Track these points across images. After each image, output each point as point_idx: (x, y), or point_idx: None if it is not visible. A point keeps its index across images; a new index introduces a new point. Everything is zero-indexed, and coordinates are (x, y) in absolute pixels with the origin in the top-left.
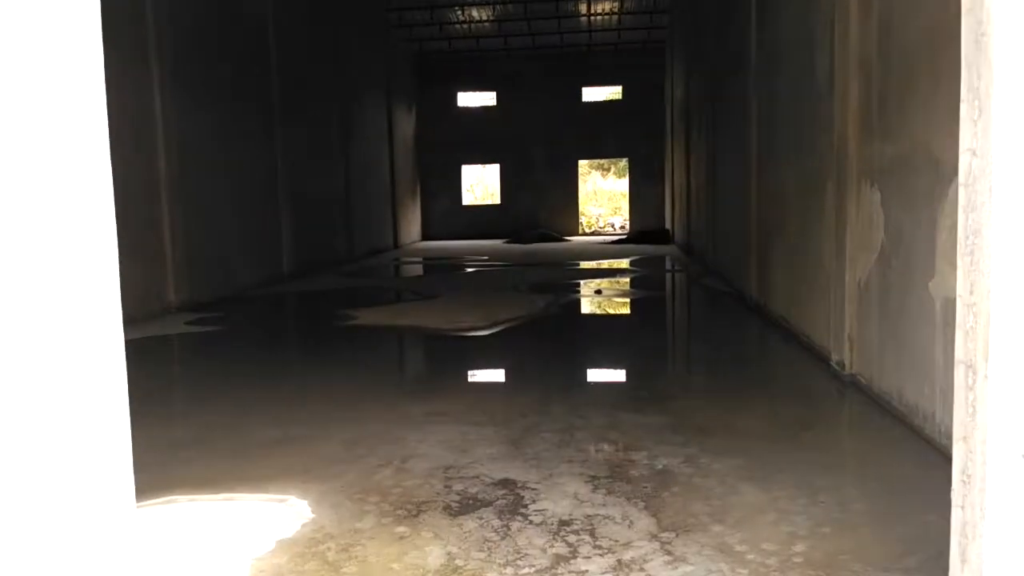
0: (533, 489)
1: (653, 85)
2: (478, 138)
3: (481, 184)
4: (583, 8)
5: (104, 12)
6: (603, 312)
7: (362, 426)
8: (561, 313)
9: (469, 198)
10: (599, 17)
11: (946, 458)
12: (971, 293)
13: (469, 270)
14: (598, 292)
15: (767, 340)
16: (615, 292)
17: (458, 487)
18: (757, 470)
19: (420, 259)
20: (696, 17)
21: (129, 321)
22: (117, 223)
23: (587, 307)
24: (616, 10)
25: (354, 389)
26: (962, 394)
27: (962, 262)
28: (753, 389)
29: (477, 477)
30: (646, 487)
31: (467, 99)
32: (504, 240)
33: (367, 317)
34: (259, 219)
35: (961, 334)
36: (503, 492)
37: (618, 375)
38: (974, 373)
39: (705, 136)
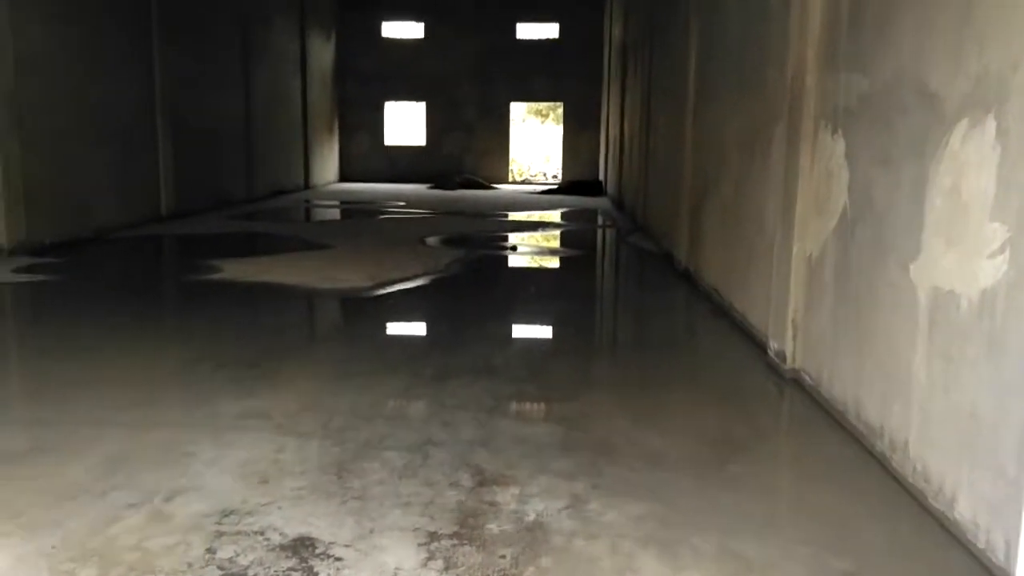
0: (337, 558)
1: (592, 24)
2: (404, 72)
3: (408, 123)
4: None
5: None
6: (513, 273)
7: (144, 433)
8: (465, 273)
9: (393, 138)
10: None
11: (925, 511)
12: None
13: (380, 217)
14: (513, 248)
15: (695, 316)
16: (532, 249)
17: (225, 552)
18: (666, 525)
19: (329, 203)
20: None
21: None
22: None
23: (497, 267)
24: None
25: (165, 371)
26: None
27: None
28: (673, 385)
29: (262, 533)
30: (503, 557)
31: (393, 29)
32: (428, 185)
33: (233, 270)
34: (130, 151)
35: None
36: (289, 565)
37: (510, 359)
38: None
39: (641, 77)
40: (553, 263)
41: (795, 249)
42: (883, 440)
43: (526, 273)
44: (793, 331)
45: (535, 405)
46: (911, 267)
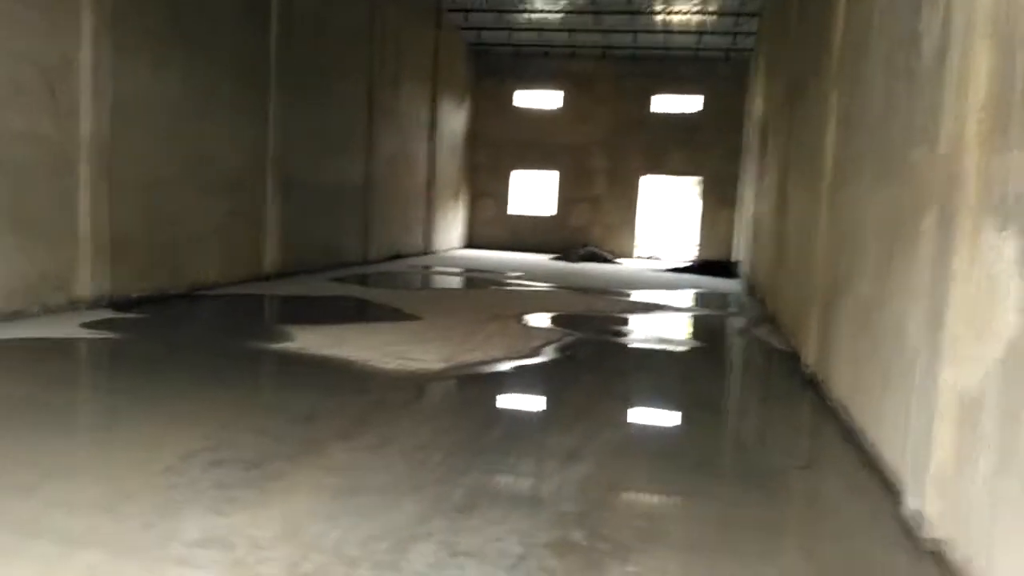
0: None
1: (734, 98)
2: (535, 141)
3: (536, 192)
4: (658, 6)
5: None
6: (609, 366)
7: (70, 555)
8: (552, 361)
9: (520, 206)
10: (677, 17)
11: None
12: None
13: (489, 288)
14: (615, 335)
15: (816, 441)
16: (642, 337)
17: None
18: None
19: (443, 269)
20: (784, 12)
21: (6, 316)
22: None
23: (593, 356)
24: (697, 10)
25: (155, 464)
26: None
27: None
28: (771, 546)
29: None
30: None
31: (527, 97)
32: (552, 256)
33: (304, 339)
34: (235, 205)
35: None
36: None
37: (564, 485)
38: None
39: (778, 154)
40: (660, 356)
41: (942, 380)
42: None
43: (625, 366)
44: (936, 489)
45: (574, 563)
46: None
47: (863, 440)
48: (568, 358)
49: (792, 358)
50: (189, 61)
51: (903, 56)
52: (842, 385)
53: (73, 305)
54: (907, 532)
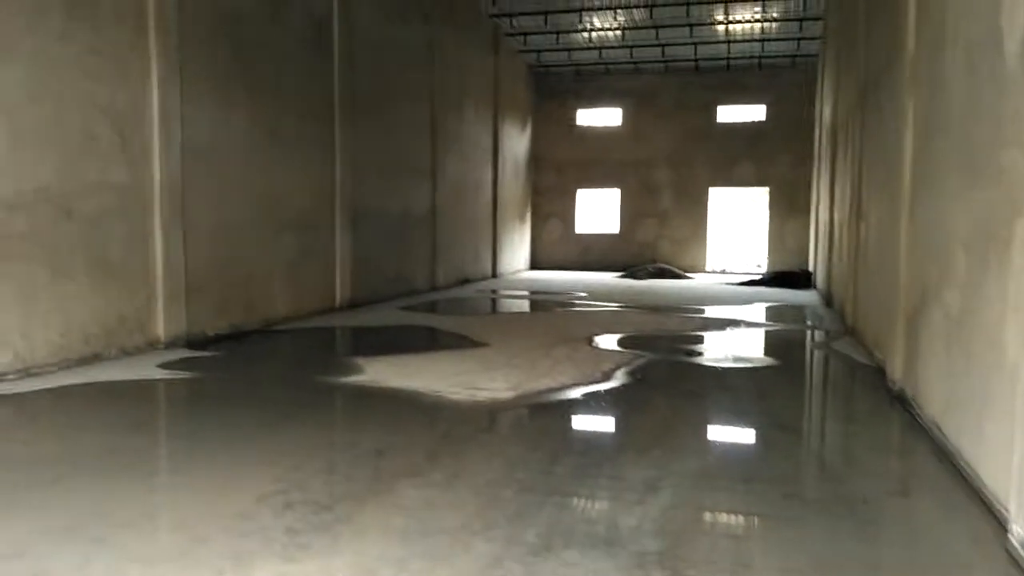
0: None
1: (801, 104)
2: (598, 160)
3: (604, 211)
4: (719, 16)
5: None
6: (684, 389)
7: None
8: (624, 386)
9: (585, 225)
10: (739, 26)
11: None
12: None
13: (556, 310)
14: (688, 355)
15: (908, 462)
16: (717, 356)
17: None
18: None
19: (510, 293)
20: (850, 14)
21: (86, 359)
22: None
23: (666, 379)
24: (759, 18)
25: (228, 510)
26: None
27: None
28: None
29: None
30: None
31: (589, 115)
32: (618, 274)
33: (374, 372)
34: (304, 239)
35: None
36: None
37: (644, 522)
38: None
39: (851, 160)
40: (736, 375)
41: None
42: None
43: (700, 388)
44: None
45: None
46: None
47: (960, 462)
48: (640, 381)
49: (877, 373)
50: (255, 100)
51: (983, 55)
52: (934, 402)
53: (150, 346)
54: (1016, 563)
